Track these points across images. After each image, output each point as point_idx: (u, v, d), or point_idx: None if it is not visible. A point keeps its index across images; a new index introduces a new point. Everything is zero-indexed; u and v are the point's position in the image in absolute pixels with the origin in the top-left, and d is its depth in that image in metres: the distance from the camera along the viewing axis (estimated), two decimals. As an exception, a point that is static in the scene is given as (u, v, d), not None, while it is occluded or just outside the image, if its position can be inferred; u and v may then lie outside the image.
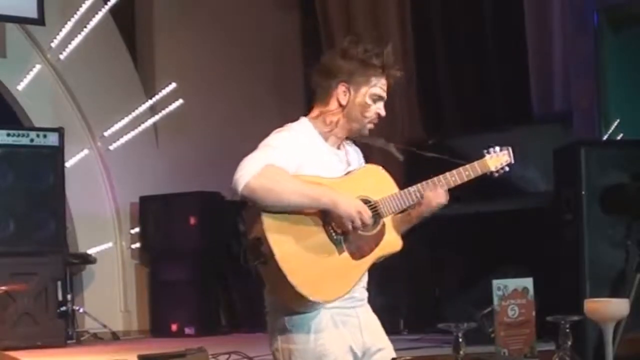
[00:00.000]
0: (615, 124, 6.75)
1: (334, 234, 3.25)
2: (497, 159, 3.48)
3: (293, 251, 3.17)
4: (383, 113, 3.42)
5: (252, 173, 3.14)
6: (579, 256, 5.35)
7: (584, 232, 5.35)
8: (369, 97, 3.38)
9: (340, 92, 3.37)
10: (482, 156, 3.48)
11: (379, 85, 3.39)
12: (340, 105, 3.38)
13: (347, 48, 3.41)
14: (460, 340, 3.06)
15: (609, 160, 5.44)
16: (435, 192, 3.39)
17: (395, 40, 8.18)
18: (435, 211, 3.43)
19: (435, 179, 3.40)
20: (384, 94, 3.42)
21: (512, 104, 7.60)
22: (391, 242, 3.38)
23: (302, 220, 3.22)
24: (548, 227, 5.87)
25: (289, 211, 3.18)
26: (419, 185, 3.40)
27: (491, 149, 3.50)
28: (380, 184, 3.41)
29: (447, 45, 8.25)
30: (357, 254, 3.29)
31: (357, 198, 3.29)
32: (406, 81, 3.57)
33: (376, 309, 3.48)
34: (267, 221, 3.16)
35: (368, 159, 3.58)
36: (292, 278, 3.14)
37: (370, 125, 3.43)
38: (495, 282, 3.10)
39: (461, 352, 3.06)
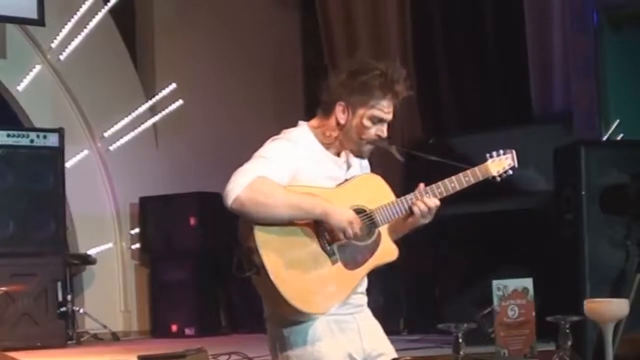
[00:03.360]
0: (616, 124, 6.75)
1: (327, 244, 3.23)
2: (500, 163, 3.43)
3: (285, 263, 3.15)
4: (384, 135, 3.37)
5: (242, 186, 3.11)
6: (579, 256, 5.34)
7: (584, 232, 5.35)
8: (367, 119, 3.34)
9: (339, 112, 3.34)
10: (484, 160, 3.44)
11: (378, 107, 3.35)
12: (339, 124, 3.35)
13: (350, 68, 3.38)
14: (460, 340, 3.06)
15: (609, 160, 5.44)
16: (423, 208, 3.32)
17: (394, 40, 8.18)
18: (423, 224, 3.39)
19: (433, 185, 3.36)
20: (386, 116, 3.37)
21: (512, 104, 7.59)
22: (386, 252, 3.35)
23: (294, 232, 3.20)
24: (548, 227, 5.87)
25: (281, 223, 3.16)
26: (416, 192, 3.36)
27: (494, 153, 3.44)
28: (376, 192, 3.38)
29: (447, 45, 8.24)
30: (351, 264, 3.26)
31: (352, 208, 3.27)
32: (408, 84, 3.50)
33: (376, 309, 3.47)
34: (259, 232, 3.14)
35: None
36: (284, 290, 3.12)
37: (369, 146, 3.39)
38: (495, 282, 3.09)
39: (461, 353, 3.06)
